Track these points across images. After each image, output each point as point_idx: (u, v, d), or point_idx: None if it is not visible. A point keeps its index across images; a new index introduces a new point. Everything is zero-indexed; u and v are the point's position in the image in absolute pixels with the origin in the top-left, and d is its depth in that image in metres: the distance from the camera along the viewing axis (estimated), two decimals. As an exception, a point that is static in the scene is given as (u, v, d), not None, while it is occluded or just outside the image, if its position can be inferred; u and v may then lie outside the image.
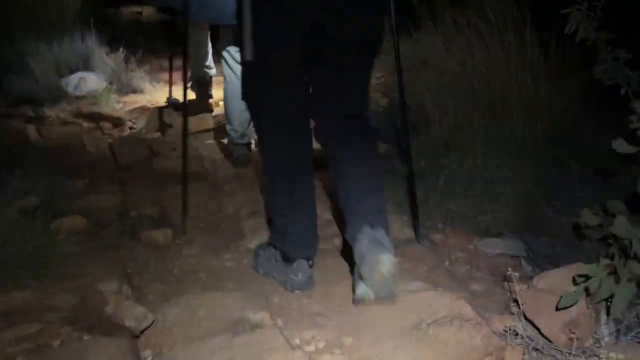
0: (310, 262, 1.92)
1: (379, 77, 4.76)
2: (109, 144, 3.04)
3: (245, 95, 1.89)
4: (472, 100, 2.52)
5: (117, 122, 3.46)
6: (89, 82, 3.93)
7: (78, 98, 3.81)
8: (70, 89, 3.85)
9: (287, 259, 1.91)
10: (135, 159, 2.94)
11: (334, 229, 2.35)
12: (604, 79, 2.13)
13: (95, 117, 3.46)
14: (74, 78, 3.91)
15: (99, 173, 2.81)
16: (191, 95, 4.09)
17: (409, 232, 2.35)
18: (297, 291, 1.88)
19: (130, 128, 3.55)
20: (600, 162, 2.38)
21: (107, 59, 4.28)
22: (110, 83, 4.11)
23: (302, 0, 1.66)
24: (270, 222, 2.02)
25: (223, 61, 3.00)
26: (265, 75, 1.77)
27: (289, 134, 1.85)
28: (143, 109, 3.78)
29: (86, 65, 4.13)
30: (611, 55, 2.12)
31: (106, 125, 3.41)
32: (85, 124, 3.37)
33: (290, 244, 1.90)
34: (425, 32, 3.32)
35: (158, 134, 3.53)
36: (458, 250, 2.24)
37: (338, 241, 2.27)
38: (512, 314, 1.81)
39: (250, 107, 1.91)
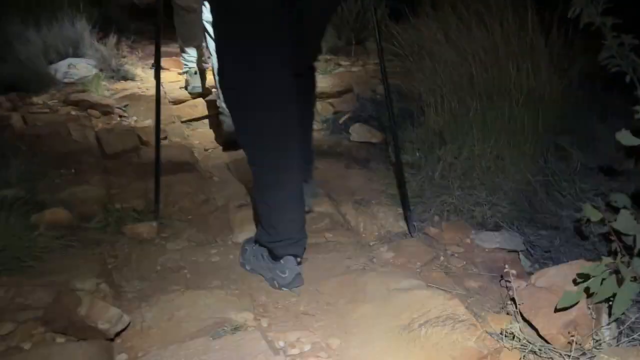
0: (299, 259, 1.84)
1: (376, 63, 4.66)
2: (96, 132, 2.95)
3: (220, 83, 1.79)
4: (469, 88, 2.42)
5: (106, 110, 3.36)
6: (79, 68, 3.82)
7: (67, 85, 3.70)
8: (58, 76, 3.74)
9: (275, 256, 1.83)
10: (123, 148, 2.85)
11: (326, 222, 2.27)
12: (608, 66, 2.05)
13: (84, 105, 3.36)
14: (63, 64, 3.80)
15: (84, 163, 2.71)
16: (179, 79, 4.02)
17: (403, 225, 2.27)
18: (285, 289, 1.80)
19: (120, 116, 3.45)
20: (604, 152, 2.29)
21: (98, 45, 4.16)
22: (101, 70, 4.00)
23: None
24: (256, 217, 1.93)
25: (206, 33, 2.92)
26: (243, 64, 1.66)
27: (275, 126, 1.72)
28: (134, 97, 3.68)
29: (76, 50, 4.01)
30: (616, 40, 2.04)
31: (94, 113, 3.30)
32: (73, 112, 3.26)
33: (277, 240, 1.81)
34: (424, 19, 3.21)
35: (149, 122, 3.44)
36: (454, 245, 2.16)
37: (330, 235, 2.19)
38: (509, 313, 1.73)
39: (226, 97, 1.80)
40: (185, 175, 2.66)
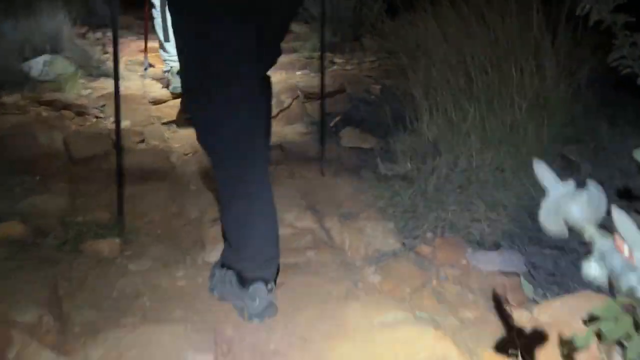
0: (270, 286, 1.62)
1: (372, 60, 4.44)
2: (64, 136, 2.73)
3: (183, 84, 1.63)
4: (468, 91, 2.20)
5: (81, 110, 3.14)
6: (56, 65, 3.60)
7: (42, 83, 3.49)
8: (33, 73, 3.52)
9: (243, 281, 1.62)
10: (94, 153, 2.63)
11: (308, 239, 2.06)
12: (619, 67, 1.85)
13: (57, 105, 3.14)
14: (39, 61, 3.58)
15: (50, 169, 2.51)
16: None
17: (393, 242, 2.06)
18: (256, 320, 1.59)
19: (97, 117, 3.23)
20: (616, 163, 2.07)
21: (79, 40, 3.95)
22: (81, 66, 3.78)
23: None
24: (224, 237, 1.72)
25: None
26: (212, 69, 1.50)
27: (242, 129, 1.55)
28: (113, 96, 3.46)
29: (54, 46, 3.79)
30: (628, 40, 1.85)
31: (68, 114, 3.09)
32: (45, 113, 3.05)
33: (246, 262, 1.61)
34: (421, 14, 3.00)
35: (127, 123, 3.23)
36: (448, 266, 1.95)
37: (312, 254, 1.98)
38: (509, 351, 1.52)
39: (189, 99, 1.62)
40: (159, 183, 2.45)
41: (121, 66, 4.12)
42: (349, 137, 2.91)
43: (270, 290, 1.62)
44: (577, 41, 2.26)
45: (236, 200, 1.60)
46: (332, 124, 3.17)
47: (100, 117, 3.25)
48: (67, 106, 3.14)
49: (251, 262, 1.61)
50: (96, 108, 3.29)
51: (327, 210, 2.27)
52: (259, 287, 1.59)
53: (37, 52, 3.70)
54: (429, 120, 2.17)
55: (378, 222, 2.17)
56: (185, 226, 2.17)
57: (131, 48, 4.71)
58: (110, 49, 4.50)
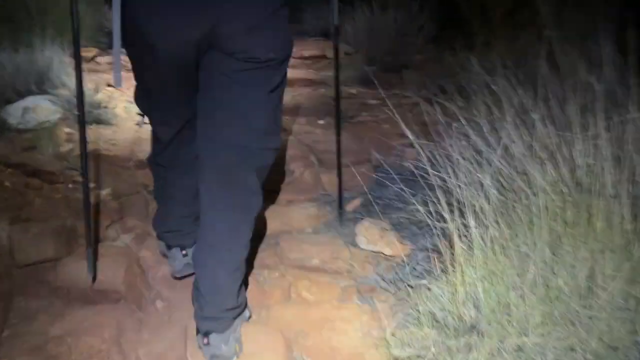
0: (185, 252, 2.02)
1: (415, 103, 3.76)
2: (11, 230, 2.19)
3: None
4: (527, 231, 1.56)
5: (53, 178, 2.64)
6: (39, 111, 3.12)
7: (21, 133, 3.02)
8: (12, 121, 3.06)
9: (168, 246, 2.08)
10: (43, 257, 2.09)
11: None
12: None
13: (27, 170, 2.63)
14: (19, 107, 3.11)
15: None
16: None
17: None
18: (178, 275, 2.04)
19: (75, 181, 2.73)
20: None
21: (69, 77, 3.46)
22: (69, 110, 3.28)
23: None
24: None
25: None
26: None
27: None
28: (97, 152, 2.96)
29: (41, 85, 3.32)
30: None
31: (36, 183, 2.57)
32: (8, 182, 2.54)
33: (168, 234, 2.08)
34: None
35: (107, 191, 2.73)
36: None
37: None
38: None
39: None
40: (109, 308, 1.91)
41: (120, 107, 3.64)
42: (367, 236, 2.30)
43: (185, 255, 2.02)
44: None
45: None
46: (348, 209, 2.57)
47: (77, 182, 2.75)
48: (37, 172, 2.65)
49: (171, 234, 2.06)
50: (74, 169, 2.79)
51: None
52: (176, 252, 2.03)
53: (21, 93, 3.23)
54: (468, 272, 1.54)
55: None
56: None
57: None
58: (109, 88, 4.03)
